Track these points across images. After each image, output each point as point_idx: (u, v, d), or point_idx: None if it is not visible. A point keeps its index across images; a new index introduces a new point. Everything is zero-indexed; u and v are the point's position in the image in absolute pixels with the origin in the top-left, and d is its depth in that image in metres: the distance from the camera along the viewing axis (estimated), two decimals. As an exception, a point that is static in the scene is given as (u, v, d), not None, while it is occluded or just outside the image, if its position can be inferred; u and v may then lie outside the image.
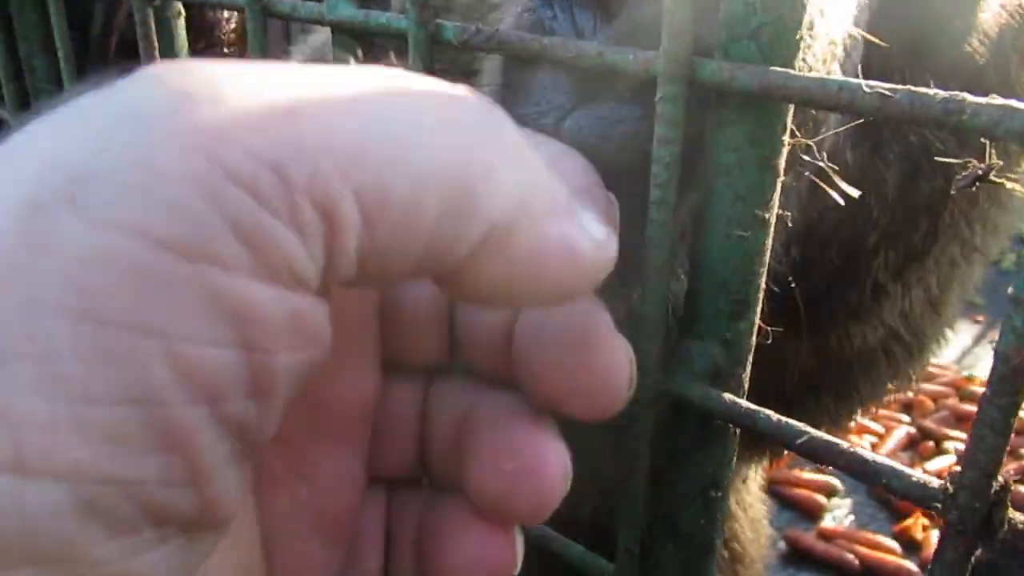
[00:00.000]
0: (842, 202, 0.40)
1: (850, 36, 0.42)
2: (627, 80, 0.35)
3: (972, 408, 2.62)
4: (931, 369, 2.78)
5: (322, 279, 0.23)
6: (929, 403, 2.62)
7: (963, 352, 3.00)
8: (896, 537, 2.13)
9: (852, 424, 0.83)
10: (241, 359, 0.22)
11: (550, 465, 0.32)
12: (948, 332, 0.76)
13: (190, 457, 0.21)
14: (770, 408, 0.34)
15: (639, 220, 0.35)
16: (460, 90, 0.28)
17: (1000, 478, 0.27)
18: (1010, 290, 0.25)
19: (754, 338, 0.36)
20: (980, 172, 0.26)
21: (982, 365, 2.91)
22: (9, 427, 0.19)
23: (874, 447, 2.41)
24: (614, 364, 0.32)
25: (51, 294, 0.20)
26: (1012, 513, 0.28)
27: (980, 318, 3.18)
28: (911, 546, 2.10)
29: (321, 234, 0.23)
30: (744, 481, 1.04)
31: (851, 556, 2.04)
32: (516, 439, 0.33)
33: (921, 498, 0.29)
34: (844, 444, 0.31)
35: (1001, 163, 0.26)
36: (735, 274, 0.34)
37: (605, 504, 0.62)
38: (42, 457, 0.19)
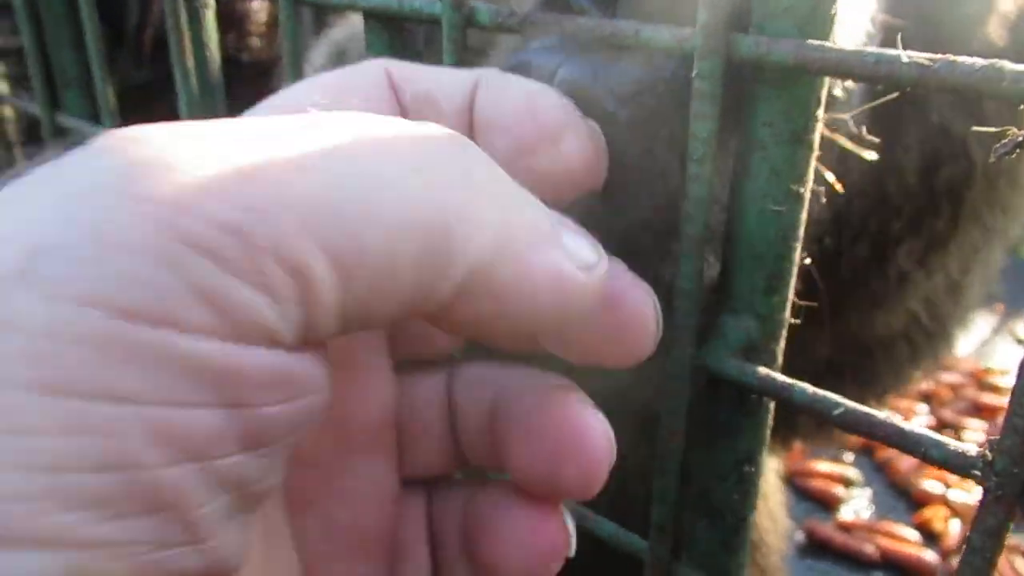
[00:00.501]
0: (874, 155, 0.40)
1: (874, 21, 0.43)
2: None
3: (991, 398, 2.61)
4: (950, 359, 2.77)
5: (303, 333, 0.23)
6: (948, 393, 2.61)
7: (982, 342, 2.98)
8: (916, 528, 2.12)
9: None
10: (229, 416, 0.22)
11: (593, 436, 0.32)
12: (970, 318, 0.76)
13: (182, 516, 0.21)
14: None
15: (645, 189, 0.35)
16: (430, 128, 0.27)
17: (1040, 443, 0.28)
18: None
19: (788, 313, 0.36)
20: (1021, 139, 0.26)
21: (1001, 356, 2.89)
22: None
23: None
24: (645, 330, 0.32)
25: (14, 370, 0.20)
26: (1051, 478, 0.28)
27: (999, 307, 3.15)
28: (931, 537, 2.09)
29: (293, 292, 0.22)
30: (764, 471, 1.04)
31: (870, 547, 2.03)
32: (554, 414, 0.32)
33: (960, 466, 0.29)
34: (881, 414, 0.32)
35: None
36: (770, 248, 0.34)
37: (629, 484, 0.62)
38: (25, 527, 0.19)
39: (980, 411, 2.54)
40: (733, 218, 0.35)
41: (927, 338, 0.70)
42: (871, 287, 0.61)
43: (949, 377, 2.68)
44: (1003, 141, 0.27)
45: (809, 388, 0.34)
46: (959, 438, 2.27)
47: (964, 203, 0.58)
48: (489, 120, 0.32)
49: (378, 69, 0.34)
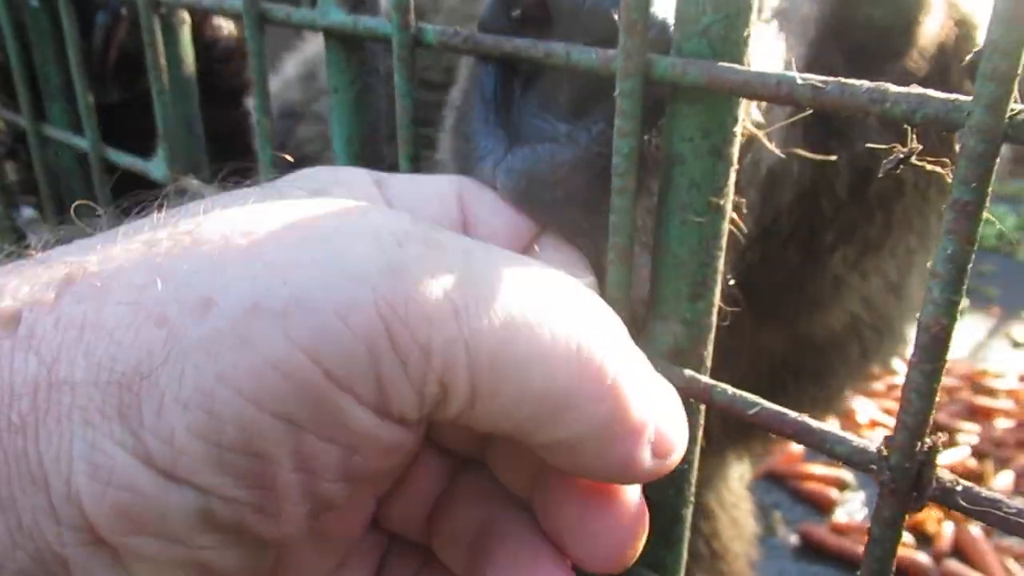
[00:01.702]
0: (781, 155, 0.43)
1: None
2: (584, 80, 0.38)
3: (986, 401, 2.62)
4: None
5: (424, 420, 0.31)
6: (942, 396, 2.61)
7: (977, 345, 2.99)
8: (909, 530, 2.13)
9: (845, 406, 0.88)
10: (344, 456, 0.29)
11: None
12: (915, 315, 0.81)
13: (281, 501, 0.29)
14: (755, 394, 0.36)
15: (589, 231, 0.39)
16: (599, 308, 0.33)
17: (928, 440, 0.29)
18: (928, 264, 0.27)
19: (714, 318, 0.38)
20: (902, 156, 0.28)
21: (996, 358, 2.90)
22: (173, 450, 0.27)
23: (887, 441, 2.42)
24: (628, 532, 0.35)
25: (238, 377, 0.27)
26: (941, 472, 0.30)
27: (994, 310, 3.16)
28: (924, 539, 2.10)
29: (434, 398, 0.30)
30: (726, 479, 1.08)
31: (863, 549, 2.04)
32: (529, 567, 0.37)
33: (860, 461, 0.31)
34: (792, 414, 0.34)
35: (920, 147, 0.28)
36: (693, 257, 0.36)
37: None
38: (189, 474, 0.27)
39: (974, 414, 2.54)
40: (657, 229, 0.37)
41: (875, 334, 0.74)
42: (807, 289, 0.64)
43: (944, 380, 2.68)
44: (889, 158, 0.29)
45: (729, 389, 0.36)
46: (954, 441, 2.26)
47: (895, 213, 0.62)
48: None
49: (452, 185, 0.41)
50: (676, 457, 0.34)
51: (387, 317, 0.28)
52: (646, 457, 0.32)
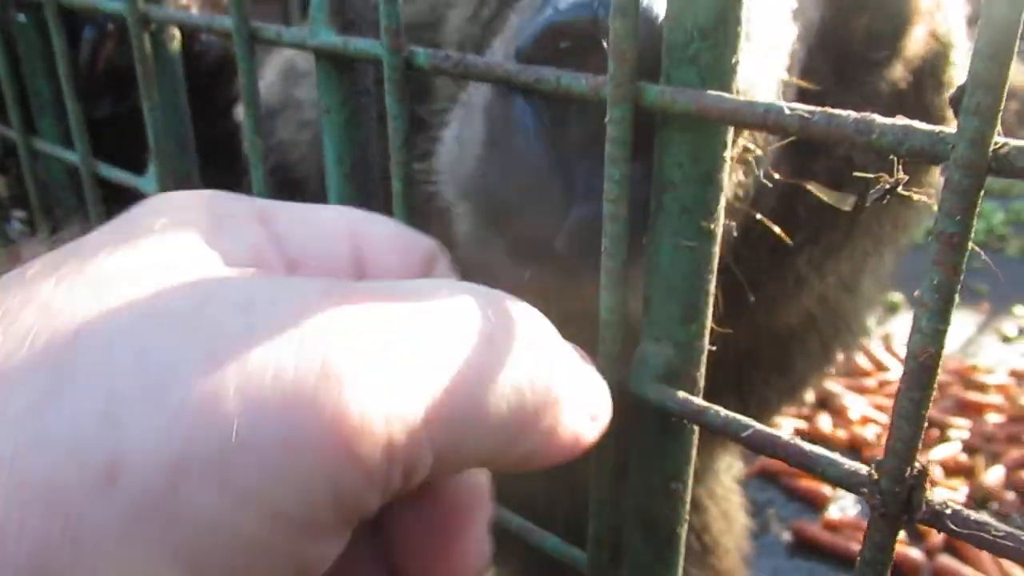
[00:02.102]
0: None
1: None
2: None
3: (977, 397, 2.64)
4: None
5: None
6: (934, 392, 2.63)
7: (967, 341, 3.01)
8: (901, 526, 2.15)
9: (808, 399, 0.93)
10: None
11: None
12: (868, 314, 0.87)
13: None
14: (725, 386, 0.36)
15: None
16: (527, 319, 0.31)
17: (917, 464, 0.30)
18: (916, 293, 0.28)
19: (707, 340, 0.38)
20: (888, 186, 0.28)
21: (986, 354, 2.91)
22: None
23: (879, 437, 2.43)
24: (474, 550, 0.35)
25: (164, 559, 0.23)
26: (930, 496, 0.30)
27: (984, 306, 3.18)
28: (916, 535, 2.12)
29: (396, 488, 0.27)
30: (715, 473, 1.10)
31: (857, 546, 2.06)
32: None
33: (852, 484, 0.32)
34: (784, 436, 0.34)
35: (907, 177, 0.29)
36: (685, 281, 0.36)
37: (578, 504, 0.67)
38: None
39: (965, 409, 2.56)
40: (650, 253, 0.37)
41: (831, 328, 0.79)
42: (770, 286, 0.67)
43: (935, 376, 2.70)
44: (876, 188, 0.29)
45: (722, 411, 0.36)
46: (945, 437, 2.28)
47: (858, 218, 0.65)
48: None
49: (342, 221, 0.37)
50: (606, 416, 0.34)
51: (339, 430, 0.24)
52: (590, 429, 0.32)
